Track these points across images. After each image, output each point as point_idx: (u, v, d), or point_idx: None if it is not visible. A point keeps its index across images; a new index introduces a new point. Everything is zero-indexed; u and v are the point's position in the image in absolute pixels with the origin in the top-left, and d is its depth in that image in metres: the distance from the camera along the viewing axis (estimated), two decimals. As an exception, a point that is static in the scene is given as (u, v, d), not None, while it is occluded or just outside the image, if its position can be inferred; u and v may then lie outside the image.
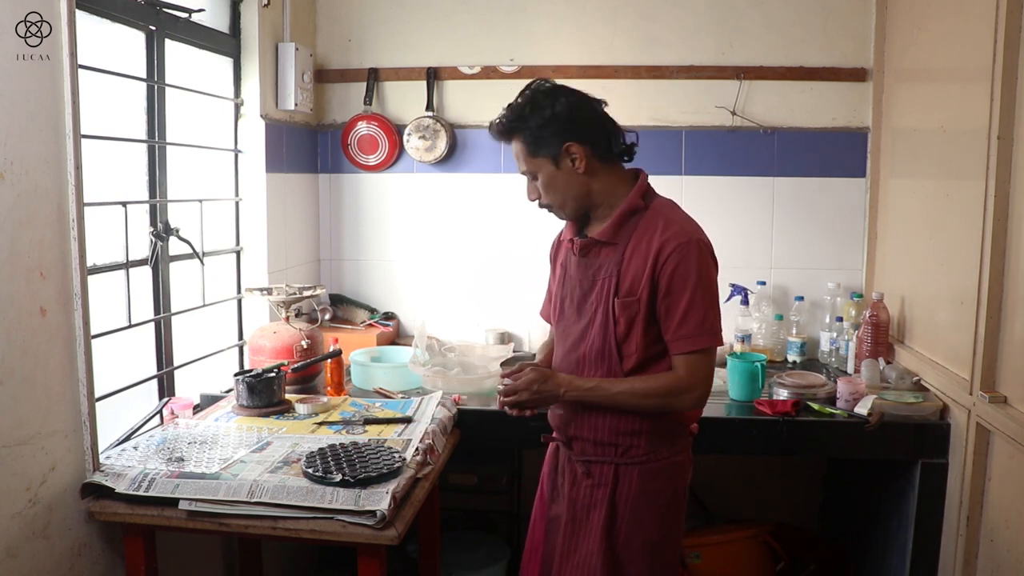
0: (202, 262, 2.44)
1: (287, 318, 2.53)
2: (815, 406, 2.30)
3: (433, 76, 3.03)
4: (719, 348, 2.77)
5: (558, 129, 1.67)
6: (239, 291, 2.79)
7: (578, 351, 1.78)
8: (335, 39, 3.10)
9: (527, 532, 2.01)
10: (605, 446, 1.76)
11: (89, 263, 1.80)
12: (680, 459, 1.80)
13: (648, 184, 1.78)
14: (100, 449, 1.82)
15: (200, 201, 2.50)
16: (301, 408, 2.22)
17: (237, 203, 2.77)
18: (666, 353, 1.71)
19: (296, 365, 2.39)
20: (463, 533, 2.98)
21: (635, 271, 1.68)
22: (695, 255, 1.64)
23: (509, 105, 1.73)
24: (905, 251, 2.65)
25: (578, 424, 1.79)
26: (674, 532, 1.80)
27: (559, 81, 1.76)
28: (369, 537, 1.65)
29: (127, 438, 2.05)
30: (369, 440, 1.99)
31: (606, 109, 1.76)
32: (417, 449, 1.96)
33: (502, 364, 2.63)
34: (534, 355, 2.94)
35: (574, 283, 1.80)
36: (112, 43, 2.13)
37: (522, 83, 1.79)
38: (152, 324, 2.31)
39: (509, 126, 1.72)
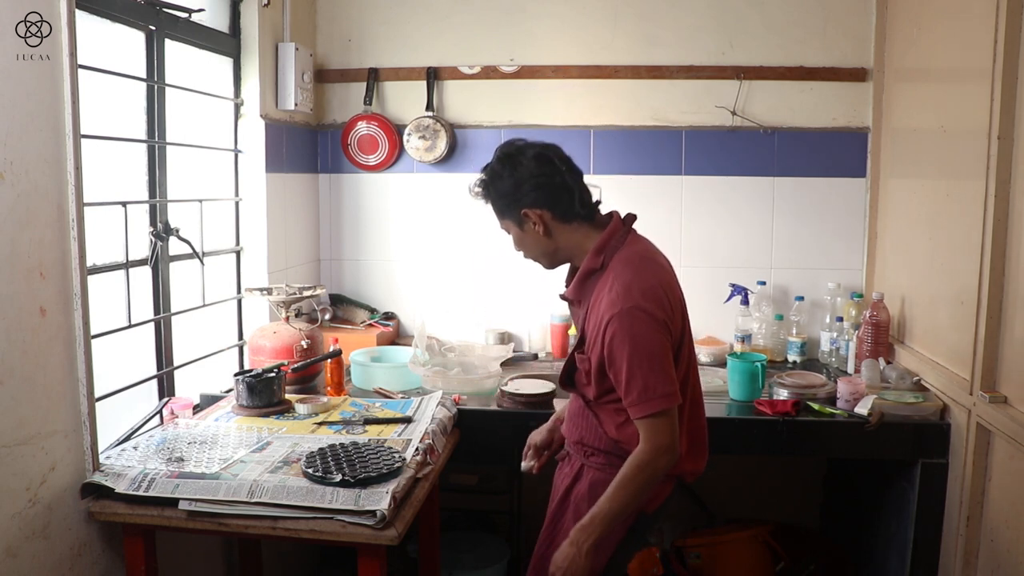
0: (202, 262, 2.44)
1: (287, 318, 2.53)
2: (815, 406, 2.30)
3: (433, 76, 3.03)
4: (718, 348, 2.84)
5: (518, 197, 1.76)
6: (239, 291, 2.79)
7: (569, 407, 1.96)
8: (335, 39, 3.10)
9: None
10: (575, 444, 1.91)
11: (89, 263, 1.80)
12: None
13: (612, 236, 1.76)
14: (100, 449, 1.82)
15: (200, 201, 2.50)
16: (301, 408, 2.22)
17: (237, 203, 2.77)
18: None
19: (296, 365, 2.40)
20: (463, 533, 2.98)
21: (592, 331, 1.75)
22: (627, 325, 1.66)
23: (483, 168, 1.83)
24: (905, 251, 2.65)
25: (566, 425, 1.96)
26: (610, 546, 1.77)
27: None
28: (369, 537, 1.65)
29: (127, 438, 2.05)
30: (369, 440, 1.99)
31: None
32: (417, 449, 1.96)
33: (502, 364, 2.64)
34: (535, 355, 2.98)
35: None
36: (112, 43, 2.13)
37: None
38: (152, 324, 2.31)
39: (483, 194, 1.85)
